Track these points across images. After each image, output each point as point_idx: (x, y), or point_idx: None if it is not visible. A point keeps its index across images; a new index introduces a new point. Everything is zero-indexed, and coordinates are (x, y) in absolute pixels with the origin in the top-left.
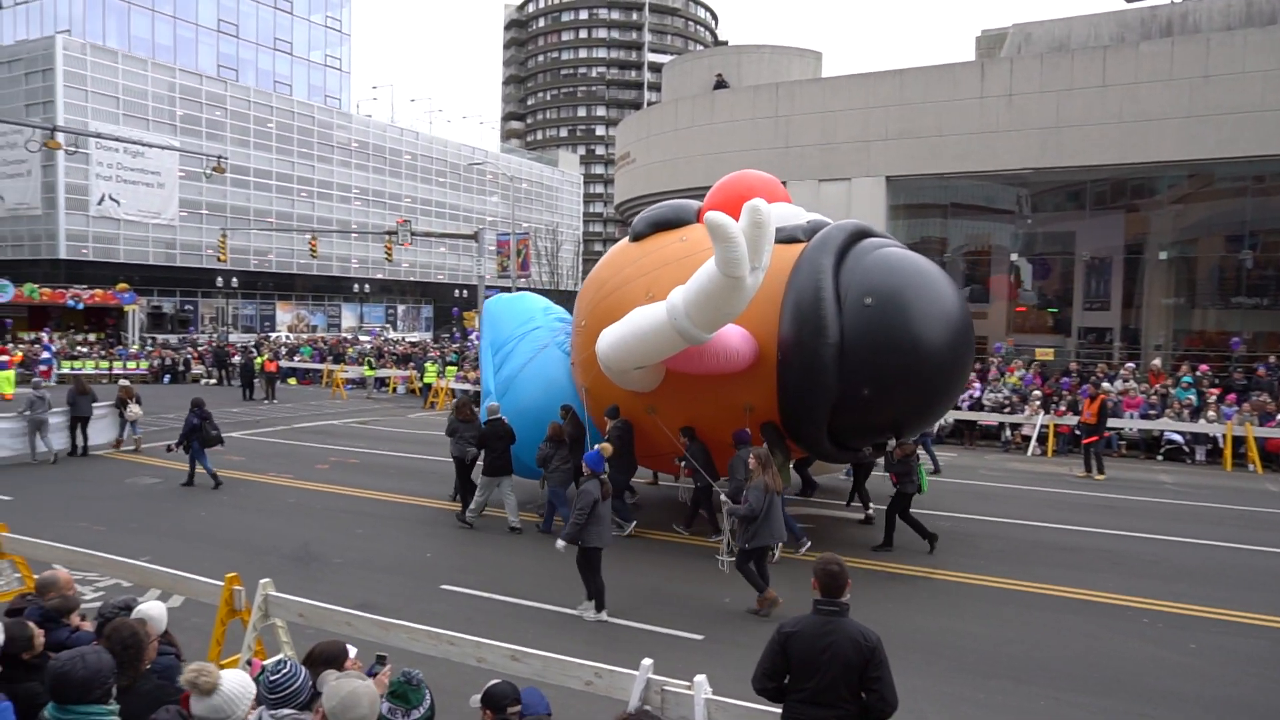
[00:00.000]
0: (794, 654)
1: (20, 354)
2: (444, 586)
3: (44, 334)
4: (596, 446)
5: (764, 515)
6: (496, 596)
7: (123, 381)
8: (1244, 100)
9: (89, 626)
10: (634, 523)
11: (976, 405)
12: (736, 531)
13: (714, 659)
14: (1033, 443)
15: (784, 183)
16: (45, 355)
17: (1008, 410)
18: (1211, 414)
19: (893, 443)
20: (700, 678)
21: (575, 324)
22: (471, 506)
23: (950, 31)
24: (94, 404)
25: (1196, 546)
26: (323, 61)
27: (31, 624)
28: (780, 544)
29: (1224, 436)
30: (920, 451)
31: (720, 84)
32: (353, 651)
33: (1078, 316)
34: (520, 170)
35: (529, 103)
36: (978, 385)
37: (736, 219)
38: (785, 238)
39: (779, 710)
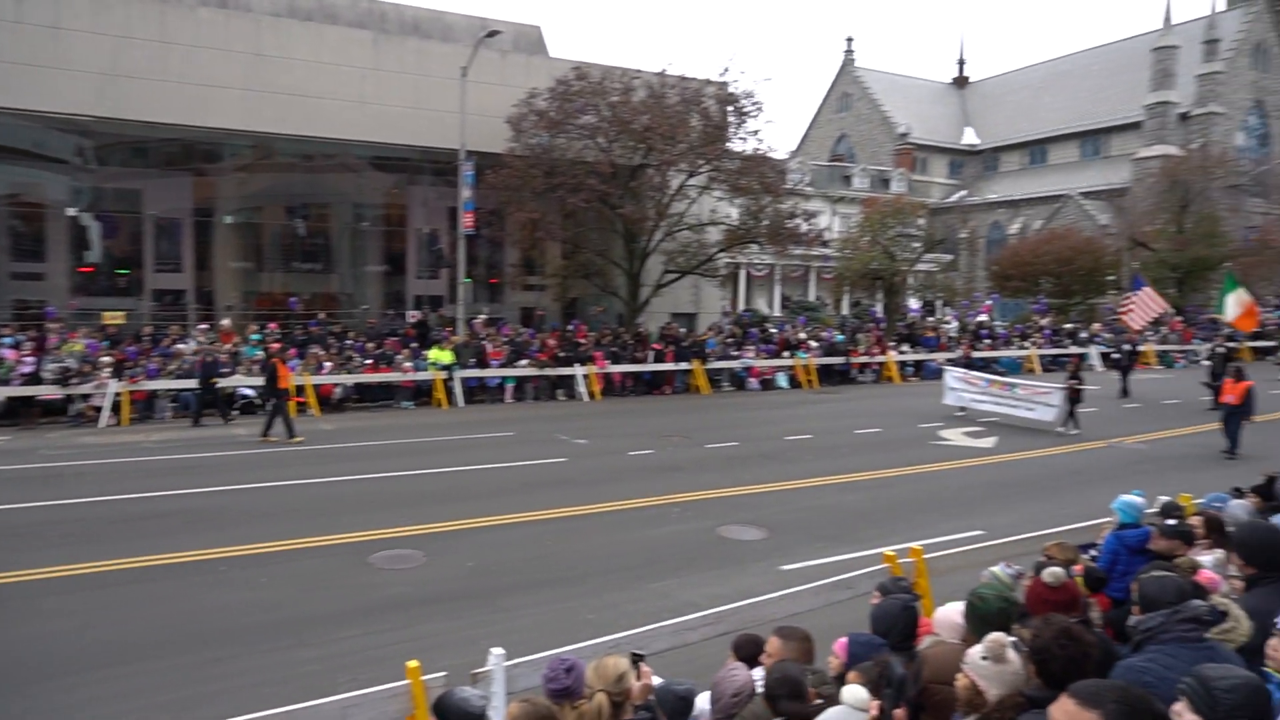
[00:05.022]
0: None
1: None
2: None
3: None
4: None
5: None
6: None
7: None
8: (292, 83)
9: None
10: None
11: (34, 379)
12: None
13: None
14: (105, 412)
15: None
16: None
17: (75, 381)
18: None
19: None
20: None
21: None
22: None
23: None
24: None
25: (260, 490)
26: None
27: None
28: None
29: (303, 388)
30: None
31: None
32: None
33: (151, 279)
34: None
35: None
36: (32, 358)
37: None
38: None
39: None
